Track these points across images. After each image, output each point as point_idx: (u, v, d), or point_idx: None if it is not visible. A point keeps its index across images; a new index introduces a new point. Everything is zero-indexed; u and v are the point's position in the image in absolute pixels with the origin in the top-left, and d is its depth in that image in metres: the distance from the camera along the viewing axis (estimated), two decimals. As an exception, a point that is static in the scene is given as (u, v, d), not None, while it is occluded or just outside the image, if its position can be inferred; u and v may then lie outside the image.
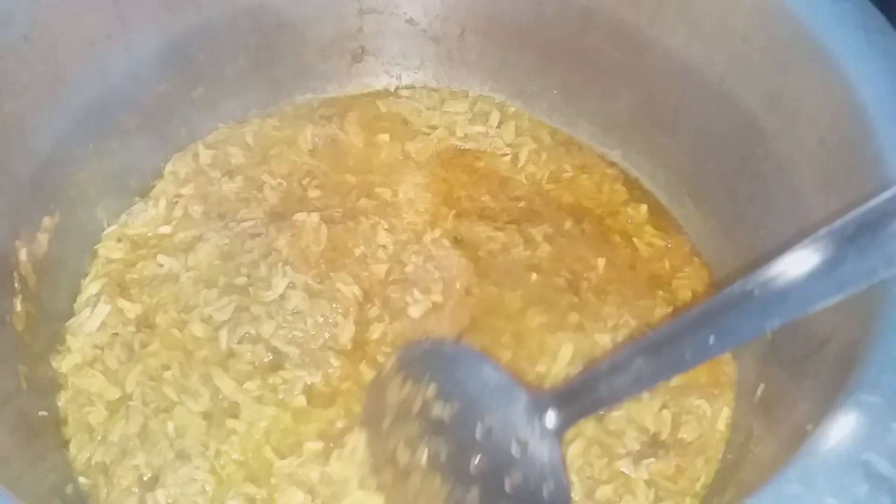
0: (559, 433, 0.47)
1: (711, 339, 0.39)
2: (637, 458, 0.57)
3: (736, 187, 0.65)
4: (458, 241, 0.70)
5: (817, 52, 0.53)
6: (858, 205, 0.49)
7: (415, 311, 0.65)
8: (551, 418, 0.47)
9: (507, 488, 0.47)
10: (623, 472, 0.57)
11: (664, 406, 0.60)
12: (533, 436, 0.47)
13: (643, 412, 0.59)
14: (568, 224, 0.72)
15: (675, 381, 0.61)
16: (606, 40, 0.72)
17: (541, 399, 0.48)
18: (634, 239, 0.72)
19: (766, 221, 0.61)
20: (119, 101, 0.67)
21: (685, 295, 0.68)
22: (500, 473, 0.48)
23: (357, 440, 0.57)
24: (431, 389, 0.52)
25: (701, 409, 0.60)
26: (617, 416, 0.59)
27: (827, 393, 0.41)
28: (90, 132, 0.65)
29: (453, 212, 0.72)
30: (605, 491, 0.56)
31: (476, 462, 0.49)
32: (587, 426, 0.58)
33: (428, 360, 0.55)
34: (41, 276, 0.60)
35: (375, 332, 0.64)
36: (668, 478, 0.57)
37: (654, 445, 0.58)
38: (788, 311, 0.36)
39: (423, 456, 0.51)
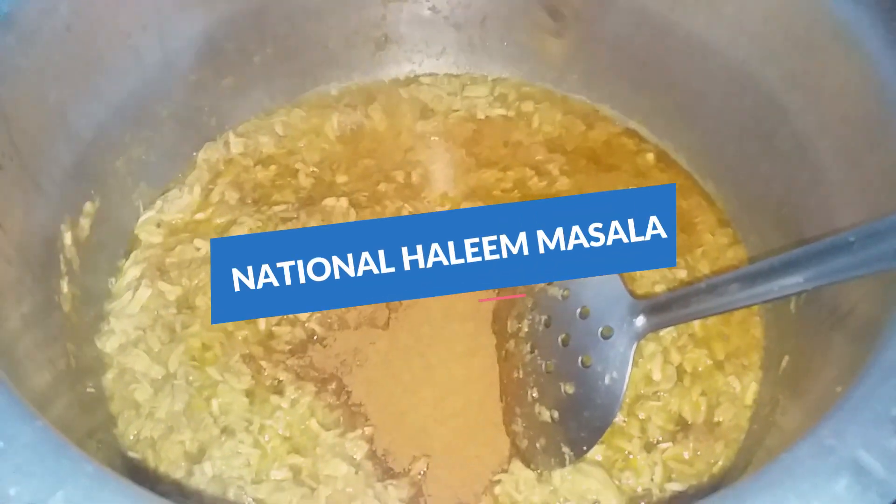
0: (641, 335, 0.53)
1: (801, 279, 0.43)
2: (651, 445, 0.59)
3: (758, 167, 0.66)
4: (469, 194, 0.74)
5: (839, 32, 0.54)
6: (881, 180, 0.51)
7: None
8: (640, 321, 0.53)
9: (579, 364, 0.55)
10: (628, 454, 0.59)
11: (703, 393, 0.61)
12: (619, 329, 0.53)
13: (683, 401, 0.61)
14: (584, 162, 0.76)
15: (709, 360, 0.63)
16: (628, 25, 0.73)
17: (637, 304, 0.53)
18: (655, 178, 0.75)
19: (789, 200, 0.62)
20: (153, 91, 0.69)
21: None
22: (578, 352, 0.55)
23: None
24: None
25: (731, 385, 0.62)
26: (652, 405, 0.60)
27: (854, 357, 0.42)
28: (127, 121, 0.67)
29: (468, 177, 0.76)
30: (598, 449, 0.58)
31: (563, 338, 0.57)
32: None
33: None
34: (84, 259, 0.63)
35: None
36: (683, 461, 0.59)
37: (679, 431, 0.60)
38: (882, 263, 0.40)
39: (526, 325, 0.60)
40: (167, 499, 0.36)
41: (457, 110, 0.82)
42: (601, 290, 0.55)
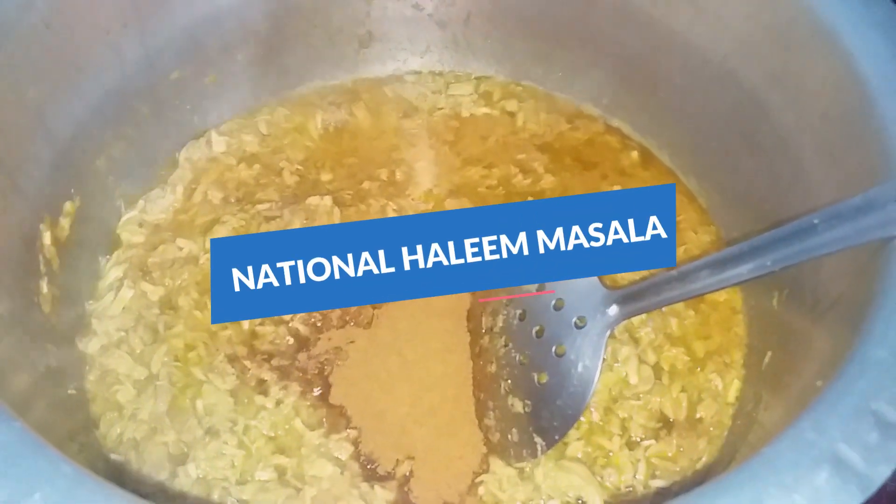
0: (615, 323, 0.54)
1: (770, 261, 0.45)
2: (634, 443, 0.59)
3: (739, 164, 0.67)
4: (453, 191, 0.74)
5: (819, 29, 0.55)
6: (861, 175, 0.51)
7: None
8: (613, 310, 0.54)
9: (553, 354, 0.56)
10: (609, 452, 0.59)
11: (683, 389, 0.61)
12: (593, 319, 0.54)
13: (664, 399, 0.61)
14: (568, 161, 0.76)
15: (687, 357, 0.63)
16: (611, 22, 0.73)
17: (611, 294, 0.55)
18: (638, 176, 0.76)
19: (771, 196, 0.63)
20: (134, 89, 0.69)
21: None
22: (552, 342, 0.56)
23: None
24: None
25: (713, 383, 0.62)
26: (633, 404, 0.60)
27: (835, 351, 0.43)
28: (107, 119, 0.67)
29: (453, 174, 0.75)
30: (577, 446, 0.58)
31: (537, 330, 0.58)
32: (591, 414, 0.60)
33: None
34: (64, 260, 0.62)
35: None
36: (667, 458, 0.59)
37: (661, 428, 0.60)
38: (845, 242, 0.42)
39: (500, 321, 0.61)
40: (150, 500, 0.35)
41: (441, 108, 0.81)
42: (575, 283, 0.56)
